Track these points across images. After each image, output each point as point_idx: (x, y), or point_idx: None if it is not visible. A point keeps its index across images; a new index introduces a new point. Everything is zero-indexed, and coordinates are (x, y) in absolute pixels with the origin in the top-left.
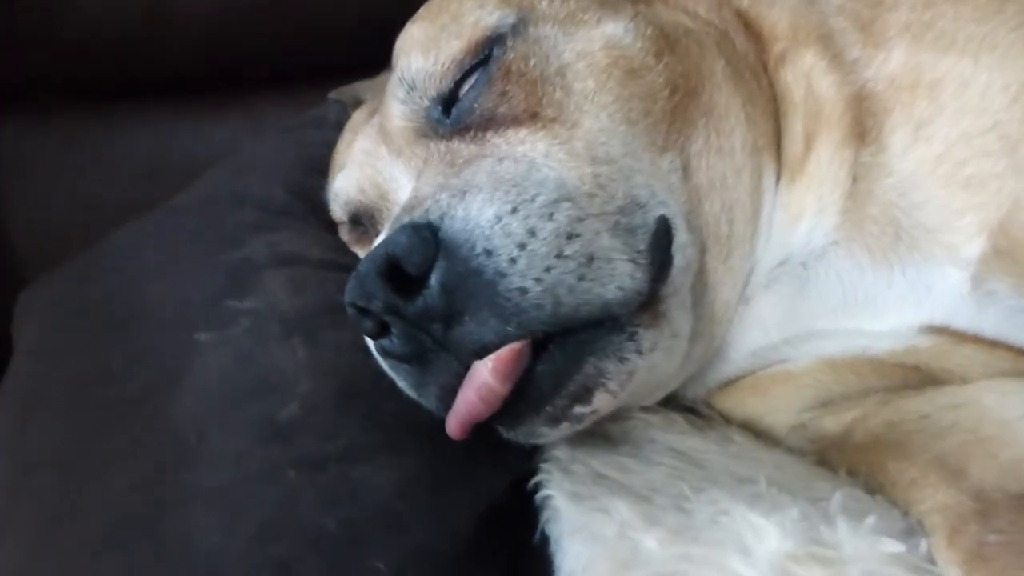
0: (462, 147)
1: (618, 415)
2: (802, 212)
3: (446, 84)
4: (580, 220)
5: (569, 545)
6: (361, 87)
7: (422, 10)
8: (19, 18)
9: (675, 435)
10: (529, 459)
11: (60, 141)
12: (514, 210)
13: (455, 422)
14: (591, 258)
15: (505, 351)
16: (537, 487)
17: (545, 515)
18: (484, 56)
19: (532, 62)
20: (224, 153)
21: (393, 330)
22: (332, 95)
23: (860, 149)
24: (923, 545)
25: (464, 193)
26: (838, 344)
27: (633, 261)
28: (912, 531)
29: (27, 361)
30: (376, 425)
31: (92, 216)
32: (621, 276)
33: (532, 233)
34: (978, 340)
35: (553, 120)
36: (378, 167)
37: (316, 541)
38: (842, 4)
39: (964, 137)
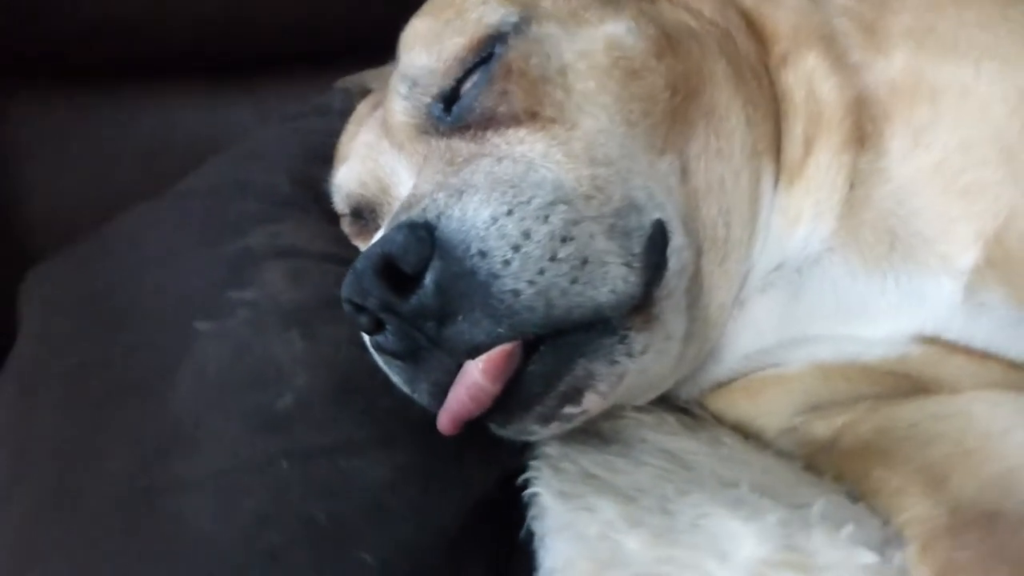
0: (462, 145)
1: (611, 413)
2: (799, 216)
3: (448, 81)
4: (575, 223)
5: (553, 543)
6: (368, 76)
7: (428, 4)
8: None
9: (666, 435)
10: (520, 455)
11: (68, 122)
12: (510, 212)
13: (446, 419)
14: (585, 261)
15: (496, 351)
16: (526, 484)
17: (532, 512)
18: (486, 54)
19: (533, 61)
20: (232, 137)
21: (388, 327)
22: (339, 83)
23: (859, 154)
24: (897, 558)
25: (461, 193)
26: (831, 349)
27: (627, 264)
28: (890, 541)
29: (30, 344)
30: (370, 419)
31: (99, 197)
32: (614, 279)
33: (527, 235)
34: (969, 351)
35: (553, 120)
36: (380, 161)
37: (306, 531)
38: (846, 5)
39: (963, 145)
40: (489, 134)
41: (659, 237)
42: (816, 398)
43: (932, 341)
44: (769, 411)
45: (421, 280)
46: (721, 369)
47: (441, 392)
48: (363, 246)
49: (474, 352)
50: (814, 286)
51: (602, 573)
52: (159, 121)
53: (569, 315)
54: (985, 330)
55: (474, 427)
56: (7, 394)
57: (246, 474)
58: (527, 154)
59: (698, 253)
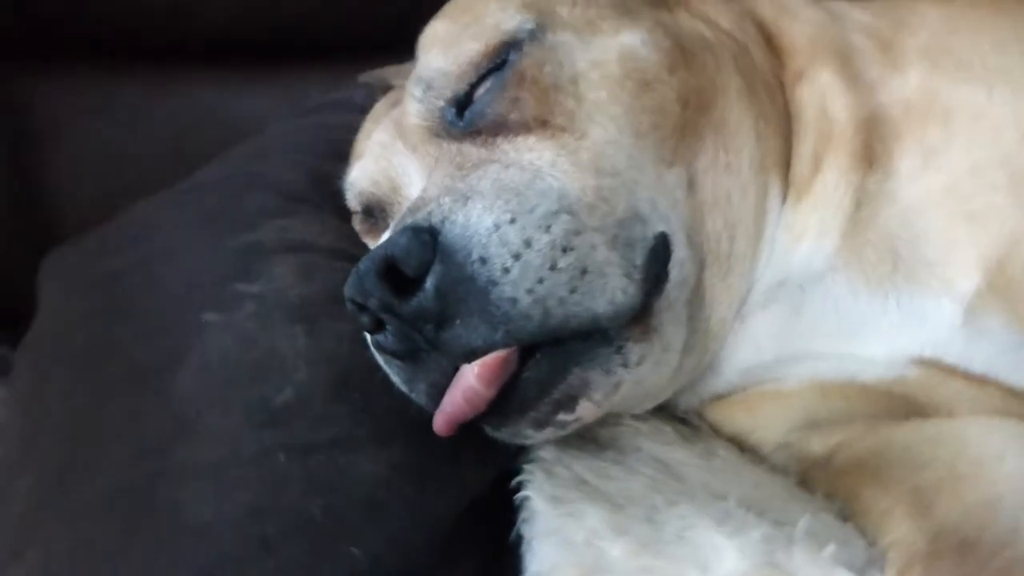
0: (472, 150)
1: (608, 420)
2: (804, 234)
3: (461, 86)
4: (577, 233)
5: (540, 547)
6: (390, 72)
7: (448, 6)
8: None
9: (661, 445)
10: (516, 457)
11: (95, 104)
12: (512, 220)
13: (442, 420)
14: (584, 271)
15: (492, 357)
16: (519, 486)
17: (523, 515)
18: (501, 60)
19: (546, 69)
20: (257, 124)
21: (388, 327)
22: (361, 78)
23: (867, 174)
24: None
25: (467, 199)
26: (830, 367)
27: (627, 275)
28: (874, 563)
29: (44, 326)
30: (368, 416)
31: (125, 179)
32: (613, 290)
33: (528, 244)
34: (968, 376)
35: (563, 129)
36: (393, 161)
37: (300, 524)
38: (865, 22)
39: (973, 170)
40: (499, 140)
41: (662, 249)
42: (813, 415)
43: (931, 364)
44: (766, 425)
45: (422, 283)
46: (720, 381)
47: (438, 393)
48: (373, 244)
49: (470, 356)
50: (816, 303)
51: None
52: (186, 106)
53: (566, 324)
54: (984, 355)
55: (470, 428)
56: (22, 374)
57: (244, 466)
58: (535, 162)
59: (701, 266)
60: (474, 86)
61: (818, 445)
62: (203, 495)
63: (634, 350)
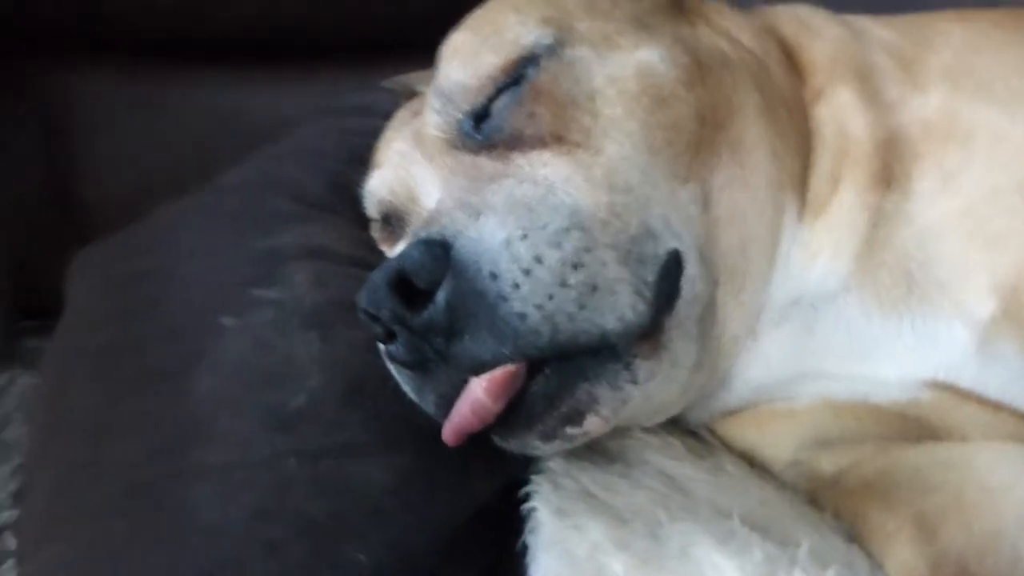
0: (488, 163)
1: (617, 432)
2: (819, 253)
3: (479, 99)
4: (588, 250)
5: (542, 558)
6: (414, 78)
7: (470, 18)
8: None
9: (669, 459)
10: (525, 467)
11: (130, 100)
12: (524, 235)
13: (450, 430)
14: (594, 288)
15: (500, 371)
16: (526, 497)
17: (529, 526)
18: (518, 75)
19: (563, 85)
20: (288, 123)
21: (399, 338)
22: (385, 83)
23: (884, 195)
24: None
25: (480, 213)
26: (842, 387)
27: (638, 292)
28: None
29: (70, 323)
30: (377, 423)
31: (158, 174)
32: (623, 307)
33: (538, 260)
34: (982, 400)
35: (578, 144)
36: (411, 171)
37: (305, 528)
38: (888, 40)
39: (991, 193)
40: (515, 155)
41: (674, 266)
42: (824, 434)
43: (945, 387)
44: (776, 443)
45: (433, 296)
46: (731, 397)
47: (447, 404)
48: (390, 251)
49: (479, 369)
50: (828, 323)
51: None
52: (217, 104)
53: (575, 340)
54: (999, 380)
55: (479, 438)
56: (48, 369)
57: (254, 469)
58: (549, 177)
59: (714, 283)
60: (492, 99)
61: (828, 464)
62: (213, 496)
63: (643, 366)
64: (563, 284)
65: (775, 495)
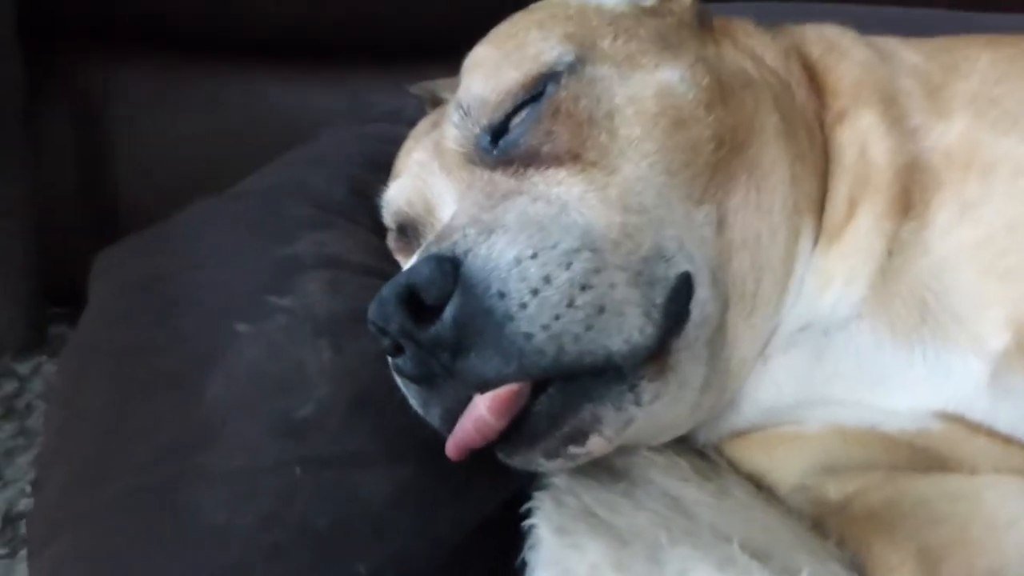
0: (503, 180)
1: (625, 450)
2: (833, 279)
3: (498, 115)
4: (597, 271)
5: None
6: (441, 84)
7: (494, 31)
8: None
9: (674, 480)
10: (528, 482)
11: (166, 93)
12: (534, 255)
13: (453, 446)
14: (602, 309)
15: (504, 389)
16: (528, 513)
17: (529, 542)
18: (538, 92)
19: (582, 103)
20: (322, 122)
21: (406, 352)
22: (412, 89)
23: (902, 223)
24: None
25: (491, 231)
26: (851, 414)
27: (646, 314)
28: None
29: (89, 323)
30: (383, 435)
31: (190, 166)
32: (630, 329)
33: (547, 280)
34: (993, 433)
35: (594, 164)
36: (429, 182)
37: (308, 536)
38: (916, 63)
39: (1009, 226)
40: (530, 172)
41: (684, 288)
42: (832, 460)
43: (955, 419)
44: (784, 467)
45: (441, 312)
46: (739, 419)
47: (452, 419)
48: (404, 261)
49: (483, 387)
50: (839, 351)
51: None
52: (252, 101)
53: (580, 361)
54: (1010, 414)
55: (483, 453)
56: (66, 366)
57: (261, 475)
58: (562, 196)
59: (725, 306)
60: (510, 115)
61: (834, 491)
62: (220, 500)
63: (648, 388)
64: (571, 305)
65: (779, 520)
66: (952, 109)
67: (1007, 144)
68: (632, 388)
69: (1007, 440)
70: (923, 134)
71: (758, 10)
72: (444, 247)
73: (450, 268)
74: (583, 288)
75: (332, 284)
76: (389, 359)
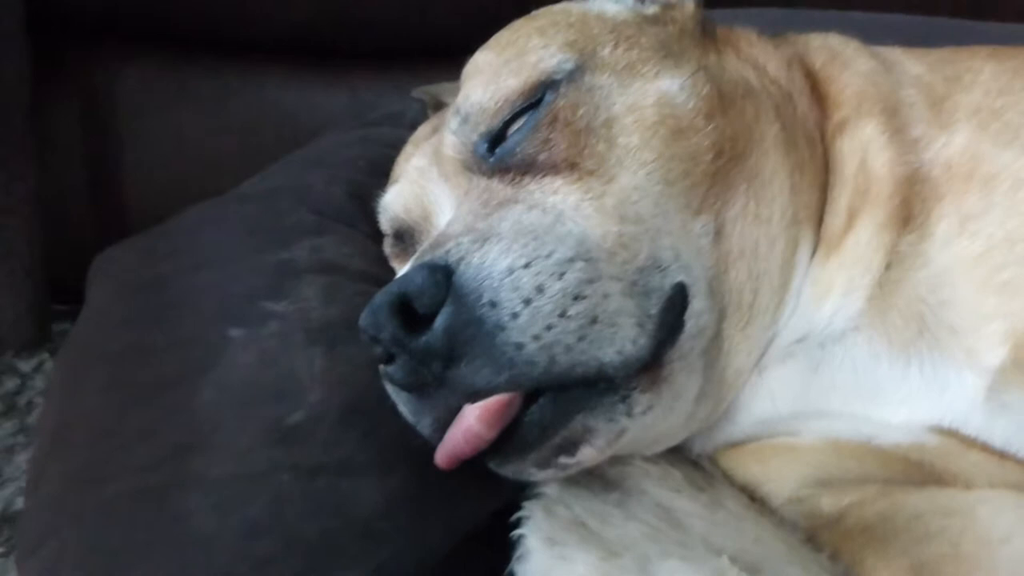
0: (499, 188)
1: (618, 459)
2: (830, 291)
3: (496, 122)
4: (591, 281)
5: None
6: (444, 89)
7: (495, 37)
8: None
9: (667, 491)
10: (519, 492)
11: (173, 92)
12: (527, 264)
13: (442, 455)
14: (594, 320)
15: (494, 399)
16: (518, 522)
17: (517, 553)
18: (536, 99)
19: (580, 112)
20: (325, 123)
21: (398, 360)
22: (415, 92)
23: (901, 235)
24: None
25: (485, 240)
26: (846, 427)
27: (640, 325)
28: None
29: (86, 325)
30: (373, 443)
31: (196, 165)
32: (622, 340)
33: (540, 290)
34: (987, 448)
35: (591, 173)
36: (427, 188)
37: (296, 545)
38: (919, 75)
39: (1008, 240)
40: (527, 180)
41: (679, 299)
42: (826, 473)
43: (950, 433)
44: (778, 478)
45: (433, 321)
46: (734, 430)
47: (442, 428)
48: (400, 267)
49: (473, 397)
50: (835, 363)
51: None
52: (258, 101)
53: (571, 372)
54: (1005, 430)
55: (474, 461)
56: (61, 370)
57: (250, 483)
58: (558, 205)
59: (721, 316)
60: (508, 123)
61: (828, 504)
62: (210, 507)
63: (640, 400)
64: (563, 315)
65: (771, 533)
66: (954, 121)
67: (1008, 157)
68: (624, 399)
69: (1002, 455)
70: (924, 145)
71: (762, 18)
72: (437, 255)
73: (442, 277)
74: (576, 298)
75: (328, 290)
76: (380, 367)
